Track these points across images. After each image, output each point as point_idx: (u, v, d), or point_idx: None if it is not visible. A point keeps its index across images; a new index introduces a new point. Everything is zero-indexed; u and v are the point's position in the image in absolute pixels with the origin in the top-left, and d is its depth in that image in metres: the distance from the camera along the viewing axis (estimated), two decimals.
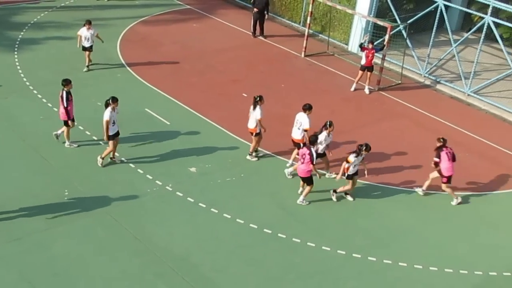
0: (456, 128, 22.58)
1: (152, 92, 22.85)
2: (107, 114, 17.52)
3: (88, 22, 23.21)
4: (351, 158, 17.04)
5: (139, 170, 18.23)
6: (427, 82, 26.11)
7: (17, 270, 14.20)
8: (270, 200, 17.46)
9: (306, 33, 27.43)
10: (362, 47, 24.38)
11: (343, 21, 28.66)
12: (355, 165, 17.22)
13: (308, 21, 27.51)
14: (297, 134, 18.50)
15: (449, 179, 17.79)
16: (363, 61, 24.41)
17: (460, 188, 18.78)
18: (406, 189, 18.64)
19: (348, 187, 17.57)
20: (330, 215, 17.22)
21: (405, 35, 26.29)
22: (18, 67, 23.63)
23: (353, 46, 28.21)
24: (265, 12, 28.74)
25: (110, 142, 17.90)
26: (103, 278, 14.24)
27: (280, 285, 14.63)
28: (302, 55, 27.41)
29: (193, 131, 20.55)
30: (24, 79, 22.74)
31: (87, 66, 23.61)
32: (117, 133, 18.01)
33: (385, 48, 24.56)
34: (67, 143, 18.78)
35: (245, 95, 23.24)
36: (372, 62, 24.23)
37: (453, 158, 17.70)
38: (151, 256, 15.03)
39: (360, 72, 24.47)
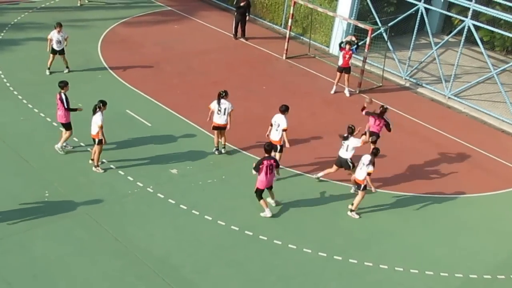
0: (436, 130, 22.81)
1: (133, 94, 22.83)
2: (99, 118, 17.53)
3: (59, 25, 22.95)
4: (371, 168, 17.02)
5: (120, 171, 18.20)
6: (408, 85, 26.35)
7: None
8: (251, 202, 17.47)
9: (287, 35, 27.55)
10: (340, 47, 24.57)
11: (324, 23, 28.84)
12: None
13: (289, 23, 27.66)
14: (275, 136, 18.51)
15: None
16: (340, 62, 24.64)
17: (439, 191, 18.99)
18: (386, 191, 18.77)
19: (360, 198, 17.54)
20: (311, 217, 17.28)
21: (386, 37, 26.50)
22: None
23: (334, 48, 28.38)
24: (247, 14, 28.85)
25: (97, 146, 17.81)
26: (84, 279, 14.18)
27: (261, 287, 14.68)
28: (284, 57, 27.54)
29: (174, 132, 20.56)
30: (4, 80, 22.61)
31: (67, 67, 23.58)
32: None
33: (365, 51, 24.72)
34: (59, 145, 18.62)
35: None
36: (349, 63, 24.39)
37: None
38: (131, 258, 15.00)
39: (338, 73, 24.65)
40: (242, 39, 29.08)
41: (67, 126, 18.47)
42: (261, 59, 27.41)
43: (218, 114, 19.05)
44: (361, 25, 25.45)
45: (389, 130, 19.53)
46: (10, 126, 19.75)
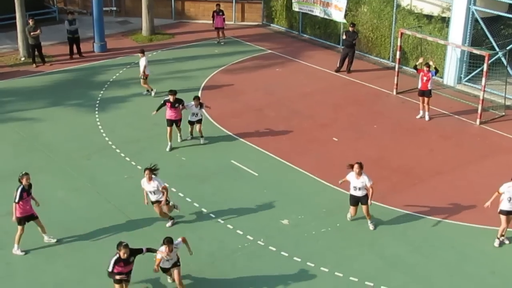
0: None
1: (237, 143, 23.19)
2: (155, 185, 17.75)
3: (197, 98, 22.93)
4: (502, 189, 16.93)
5: (228, 225, 18.39)
6: None
7: None
8: (369, 250, 17.27)
9: (396, 69, 27.34)
10: (417, 69, 24.53)
11: (435, 53, 28.46)
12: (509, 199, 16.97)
13: (397, 56, 27.44)
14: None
15: None
16: (419, 85, 24.73)
17: None
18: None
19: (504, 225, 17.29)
20: (437, 264, 16.83)
21: (505, 62, 25.83)
22: (100, 127, 24.45)
23: (448, 79, 27.93)
24: (354, 43, 29.14)
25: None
26: None
27: None
28: (394, 93, 27.32)
29: (282, 181, 20.68)
30: (106, 138, 23.48)
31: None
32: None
33: (483, 78, 24.19)
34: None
35: (336, 139, 23.31)
36: (429, 85, 24.37)
37: None
38: None
39: (420, 98, 24.86)
40: (344, 73, 29.20)
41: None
42: (370, 96, 27.28)
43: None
44: (476, 51, 24.98)
45: None
46: (114, 185, 20.42)
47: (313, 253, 17.19)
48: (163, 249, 14.96)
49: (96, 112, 25.79)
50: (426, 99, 24.77)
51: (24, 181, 16.95)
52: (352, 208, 17.99)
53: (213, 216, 18.81)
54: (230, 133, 23.84)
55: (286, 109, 25.97)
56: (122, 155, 22.29)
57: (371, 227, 18.08)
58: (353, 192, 17.71)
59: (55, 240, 17.61)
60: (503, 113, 25.33)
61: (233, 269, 16.67)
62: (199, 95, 27.10)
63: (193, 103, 22.50)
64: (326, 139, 23.42)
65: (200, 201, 19.48)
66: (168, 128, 22.48)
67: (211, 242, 17.71)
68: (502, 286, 16.03)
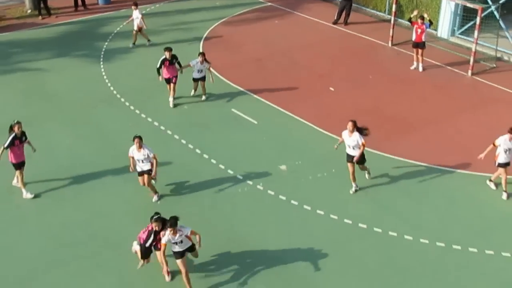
0: None
1: (237, 93, 23.32)
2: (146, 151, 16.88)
3: (202, 54, 22.34)
4: (498, 141, 17.03)
5: (229, 171, 18.63)
6: None
7: (117, 276, 14.84)
8: (363, 194, 17.55)
9: (392, 22, 27.34)
10: (411, 21, 24.72)
11: (430, 6, 28.41)
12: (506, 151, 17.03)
13: (393, 9, 27.43)
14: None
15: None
16: (413, 37, 24.78)
17: None
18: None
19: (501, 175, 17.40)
20: (426, 207, 17.12)
21: (497, 16, 25.81)
22: (105, 77, 24.57)
23: (442, 31, 27.96)
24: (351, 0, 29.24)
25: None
26: (200, 277, 14.66)
27: (379, 280, 14.69)
28: (389, 44, 27.36)
29: (281, 128, 20.87)
30: (111, 88, 23.62)
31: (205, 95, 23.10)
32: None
33: (476, 31, 24.20)
34: None
35: (332, 89, 23.46)
36: (423, 38, 24.46)
37: None
38: (245, 257, 15.34)
39: (414, 49, 24.97)
40: (341, 25, 29.22)
41: None
42: (366, 48, 27.32)
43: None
44: (469, 4, 24.91)
45: None
46: (120, 133, 20.59)
47: (310, 197, 17.45)
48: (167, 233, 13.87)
49: (101, 63, 25.88)
50: (420, 50, 24.87)
51: (16, 129, 17.01)
52: (349, 164, 17.57)
53: (214, 162, 19.04)
54: (231, 83, 23.94)
55: (285, 60, 26.03)
56: (127, 104, 22.43)
57: (366, 176, 18.13)
58: (347, 150, 17.31)
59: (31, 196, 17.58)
60: (494, 65, 25.41)
61: (233, 211, 16.97)
62: (201, 46, 27.22)
63: (198, 59, 22.08)
64: (323, 89, 23.53)
65: (202, 147, 19.70)
66: (168, 86, 22.40)
67: (213, 186, 17.94)
68: (488, 229, 16.34)
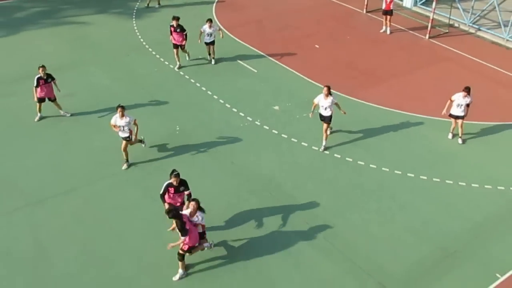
0: (496, 69, 21.75)
1: (242, 46, 22.92)
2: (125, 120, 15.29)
3: (209, 20, 20.77)
4: (454, 97, 16.65)
5: (233, 109, 18.50)
6: (471, 31, 25.12)
7: (142, 189, 14.91)
8: (338, 132, 17.43)
9: None
10: None
11: None
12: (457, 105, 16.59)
13: None
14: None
15: None
16: (383, 6, 24.40)
17: (499, 120, 18.28)
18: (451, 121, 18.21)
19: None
20: (388, 142, 17.06)
21: None
22: (136, 30, 24.13)
23: (406, 2, 27.38)
24: None
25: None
26: (208, 194, 14.56)
27: (347, 199, 14.77)
28: (364, 11, 26.81)
29: (275, 77, 20.62)
30: (141, 40, 23.24)
31: (213, 58, 21.52)
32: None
33: (434, 2, 23.68)
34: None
35: (317, 46, 23.10)
36: (391, 6, 24.13)
37: None
38: (244, 177, 15.39)
39: (384, 16, 24.59)
40: None
41: None
42: (345, 14, 26.77)
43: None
44: None
45: None
46: (147, 76, 20.38)
47: (296, 132, 17.38)
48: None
49: (133, 19, 25.39)
50: (388, 17, 24.41)
51: (40, 71, 16.96)
52: (323, 124, 16.52)
53: (222, 101, 18.89)
54: (237, 39, 23.55)
55: (280, 21, 25.56)
56: (153, 53, 22.11)
57: (328, 131, 16.70)
58: (321, 110, 16.28)
59: (69, 115, 17.80)
60: (447, 30, 24.98)
61: (235, 141, 16.92)
62: (214, 8, 26.67)
63: (206, 24, 20.63)
64: (310, 46, 23.18)
65: (212, 90, 19.50)
66: (174, 50, 20.77)
67: (220, 121, 17.88)
68: (436, 161, 16.34)
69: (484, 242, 13.52)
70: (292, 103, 18.97)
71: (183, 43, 20.52)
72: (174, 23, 20.30)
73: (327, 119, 16.37)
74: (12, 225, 13.57)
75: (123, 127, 15.20)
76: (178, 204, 13.00)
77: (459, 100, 16.69)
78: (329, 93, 16.10)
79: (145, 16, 25.76)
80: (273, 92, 19.61)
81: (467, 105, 16.70)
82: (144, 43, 22.95)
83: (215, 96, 19.16)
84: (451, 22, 25.41)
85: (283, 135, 17.23)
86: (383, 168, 15.89)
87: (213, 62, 21.28)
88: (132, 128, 15.34)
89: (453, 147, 16.93)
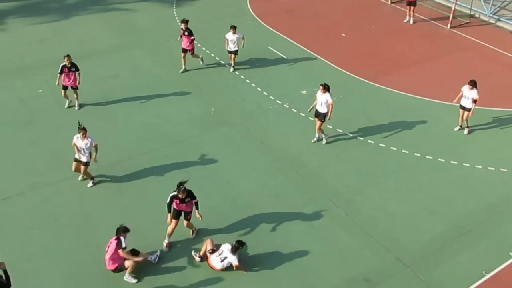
0: None
1: (273, 35, 22.57)
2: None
3: (233, 27, 18.95)
4: (462, 89, 15.92)
5: (264, 92, 18.29)
6: (491, 21, 24.29)
7: (179, 164, 14.84)
8: (362, 115, 17.13)
9: None
10: None
11: None
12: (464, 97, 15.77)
13: None
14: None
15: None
16: None
17: None
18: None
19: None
20: (408, 126, 16.67)
21: None
22: (176, 18, 23.95)
23: None
24: None
25: None
26: (239, 170, 14.65)
27: (368, 178, 14.52)
28: (389, 2, 26.13)
29: (304, 63, 20.27)
30: (181, 27, 23.02)
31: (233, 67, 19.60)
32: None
33: None
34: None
35: (344, 35, 22.62)
36: None
37: None
38: (273, 156, 15.24)
39: (407, 6, 23.82)
40: None
41: None
42: (371, 5, 26.12)
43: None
44: None
45: None
46: (186, 60, 20.12)
47: None
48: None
49: (174, 7, 25.19)
50: (412, 8, 23.69)
51: (65, 60, 16.28)
52: (316, 119, 15.57)
53: (253, 85, 18.68)
54: (268, 27, 23.21)
55: (310, 11, 25.08)
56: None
57: (324, 141, 15.73)
58: (317, 107, 15.34)
59: (78, 108, 16.93)
60: (468, 21, 24.22)
61: (266, 122, 16.76)
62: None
63: (230, 31, 18.89)
64: (337, 34, 22.71)
65: (246, 74, 19.28)
66: (182, 54, 19.06)
67: (252, 103, 17.70)
68: (454, 144, 15.93)
69: (498, 222, 13.15)
70: (319, 88, 18.60)
71: (190, 47, 18.82)
72: (183, 26, 18.74)
73: (321, 116, 15.35)
74: (60, 193, 13.69)
75: (84, 149, 13.37)
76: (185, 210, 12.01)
77: (466, 92, 15.90)
78: (326, 90, 15.12)
79: (185, 5, 25.53)
80: (301, 77, 19.29)
81: (474, 101, 15.71)
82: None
83: (247, 80, 18.94)
84: (472, 13, 24.61)
85: (310, 117, 16.95)
86: (403, 151, 15.54)
87: (231, 69, 19.36)
88: (93, 151, 13.55)
89: (471, 132, 16.44)
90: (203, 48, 20.95)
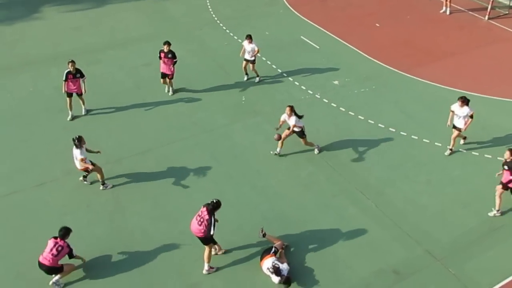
0: None
1: (306, 24, 22.50)
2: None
3: (249, 37, 17.76)
4: None
5: (295, 82, 18.29)
6: None
7: (209, 153, 15.03)
8: (394, 106, 17.00)
9: None
10: None
11: None
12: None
13: None
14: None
15: None
16: None
17: None
18: (504, 99, 17.37)
19: None
20: (441, 119, 16.42)
21: None
22: (209, 7, 24.07)
23: None
24: None
25: None
26: (268, 160, 14.72)
27: (400, 171, 14.42)
28: None
29: (336, 53, 20.18)
30: (213, 15, 23.19)
31: (258, 76, 18.40)
32: None
33: None
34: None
35: (378, 25, 22.41)
36: None
37: None
38: (302, 146, 15.12)
39: None
40: None
41: None
42: None
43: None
44: None
45: None
46: (217, 49, 20.36)
47: (354, 105, 17.03)
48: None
49: None
50: None
51: (69, 66, 15.56)
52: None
53: (285, 75, 18.70)
54: (301, 16, 23.13)
55: (343, 0, 24.89)
56: (224, 28, 22.03)
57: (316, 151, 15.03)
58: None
59: (85, 113, 16.40)
60: (507, 12, 23.68)
61: (297, 112, 16.68)
62: None
63: (246, 41, 17.79)
64: (370, 24, 22.50)
65: (277, 64, 19.31)
66: (161, 80, 17.35)
67: (283, 93, 17.72)
68: (488, 137, 15.68)
69: None
70: (351, 78, 18.55)
71: (169, 72, 16.99)
72: (165, 48, 16.66)
73: (299, 134, 14.63)
74: (93, 180, 13.99)
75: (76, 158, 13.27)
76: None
77: (456, 110, 14.53)
78: (292, 113, 14.16)
79: None
80: (333, 67, 19.21)
81: (471, 116, 14.33)
82: (215, 19, 22.88)
83: (279, 70, 18.96)
84: (511, 4, 24.05)
85: (341, 108, 16.91)
86: (435, 143, 15.38)
87: (245, 78, 18.22)
88: (88, 162, 13.38)
89: (506, 125, 16.17)
90: (235, 37, 21.05)
